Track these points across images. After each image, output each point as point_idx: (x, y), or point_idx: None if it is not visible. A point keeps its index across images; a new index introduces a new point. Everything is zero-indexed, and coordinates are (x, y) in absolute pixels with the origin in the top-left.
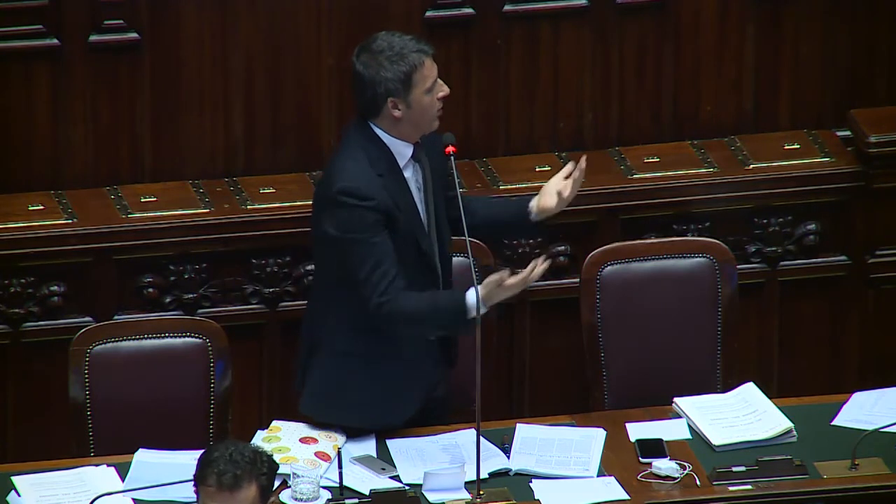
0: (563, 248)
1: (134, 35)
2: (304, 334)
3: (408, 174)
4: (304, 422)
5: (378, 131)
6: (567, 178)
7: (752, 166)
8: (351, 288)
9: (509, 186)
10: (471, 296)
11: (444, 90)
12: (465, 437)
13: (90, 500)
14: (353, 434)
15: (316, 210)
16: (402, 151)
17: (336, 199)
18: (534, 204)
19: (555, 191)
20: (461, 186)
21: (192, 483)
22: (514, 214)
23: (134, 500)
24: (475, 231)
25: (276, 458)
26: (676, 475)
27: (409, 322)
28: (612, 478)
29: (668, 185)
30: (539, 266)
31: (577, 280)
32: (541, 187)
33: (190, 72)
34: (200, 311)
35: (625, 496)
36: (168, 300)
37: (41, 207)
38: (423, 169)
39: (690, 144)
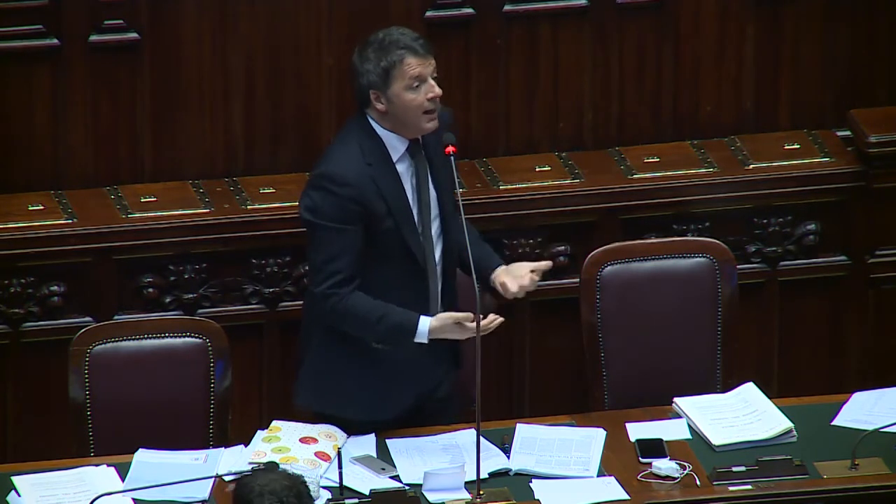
0: (563, 248)
1: (134, 35)
2: (303, 324)
3: (401, 168)
4: (304, 421)
5: (373, 123)
6: (533, 271)
7: (752, 166)
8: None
9: (509, 186)
10: (423, 323)
11: (433, 91)
12: (465, 437)
13: (90, 500)
14: (347, 426)
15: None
16: (396, 146)
17: (316, 182)
18: (497, 272)
19: (517, 275)
20: (461, 186)
21: None
22: (480, 259)
23: (134, 500)
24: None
25: (276, 458)
26: (676, 475)
27: (353, 322)
28: (612, 478)
29: (668, 185)
30: (496, 321)
31: (577, 280)
32: (539, 188)
33: (190, 72)
34: (200, 311)
35: (625, 496)
36: (168, 300)
37: (41, 207)
38: (419, 168)
39: (690, 144)
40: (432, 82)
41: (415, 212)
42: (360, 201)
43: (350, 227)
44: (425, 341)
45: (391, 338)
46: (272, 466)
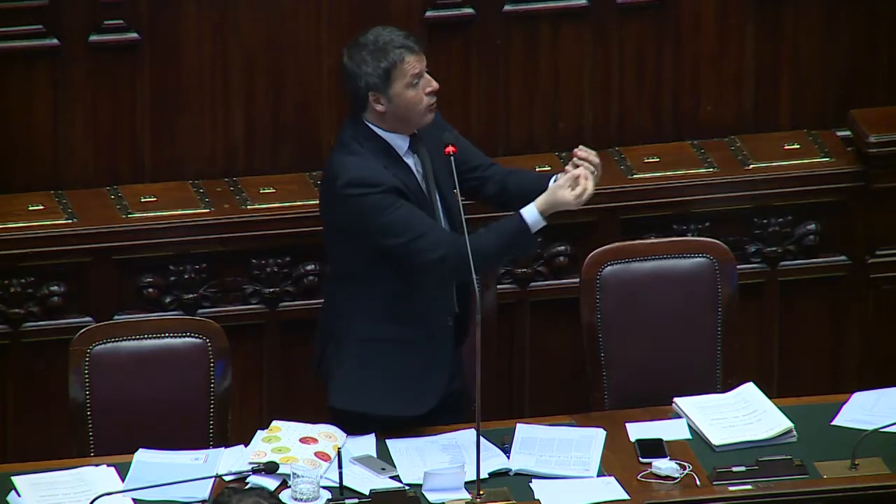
0: (563, 248)
1: (134, 35)
2: (322, 325)
3: (410, 163)
4: (305, 421)
5: (372, 127)
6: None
7: (752, 166)
8: (372, 275)
9: None
10: (529, 215)
11: (431, 85)
12: (465, 437)
13: (90, 500)
14: (381, 423)
15: (327, 205)
16: (399, 144)
17: (346, 193)
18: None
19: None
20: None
21: None
22: (533, 190)
23: (134, 500)
24: (512, 204)
25: (276, 458)
26: (676, 475)
27: (477, 262)
28: (612, 478)
29: (668, 185)
30: (590, 181)
31: (577, 280)
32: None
33: (190, 72)
34: (200, 311)
35: (625, 496)
36: (168, 300)
37: (41, 207)
38: (423, 160)
39: (690, 144)
40: (429, 77)
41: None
42: (392, 190)
43: (402, 201)
44: (544, 223)
45: (515, 248)
46: (272, 467)
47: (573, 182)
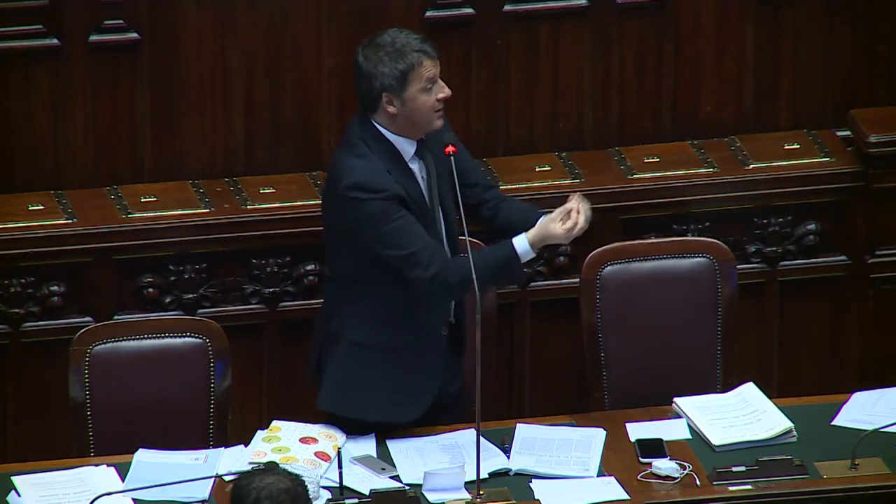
0: (563, 248)
1: (134, 35)
2: (319, 326)
3: (414, 168)
4: (305, 421)
5: (380, 128)
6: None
7: (752, 166)
8: (372, 279)
9: (509, 186)
10: (520, 245)
11: (444, 91)
12: (465, 437)
13: (90, 500)
14: (368, 429)
15: (328, 207)
16: (405, 148)
17: (348, 196)
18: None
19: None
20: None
21: None
22: (522, 222)
23: (134, 500)
24: (497, 234)
25: (276, 458)
26: (676, 475)
27: (465, 284)
28: (612, 478)
29: (668, 185)
30: (581, 215)
31: (577, 280)
32: (539, 188)
33: (190, 72)
34: (200, 311)
35: (625, 496)
36: (168, 300)
37: (41, 207)
38: (427, 165)
39: (690, 144)
40: (442, 83)
41: (429, 207)
42: (394, 197)
43: (403, 211)
44: (534, 255)
45: (503, 276)
46: (272, 466)
47: (565, 216)
